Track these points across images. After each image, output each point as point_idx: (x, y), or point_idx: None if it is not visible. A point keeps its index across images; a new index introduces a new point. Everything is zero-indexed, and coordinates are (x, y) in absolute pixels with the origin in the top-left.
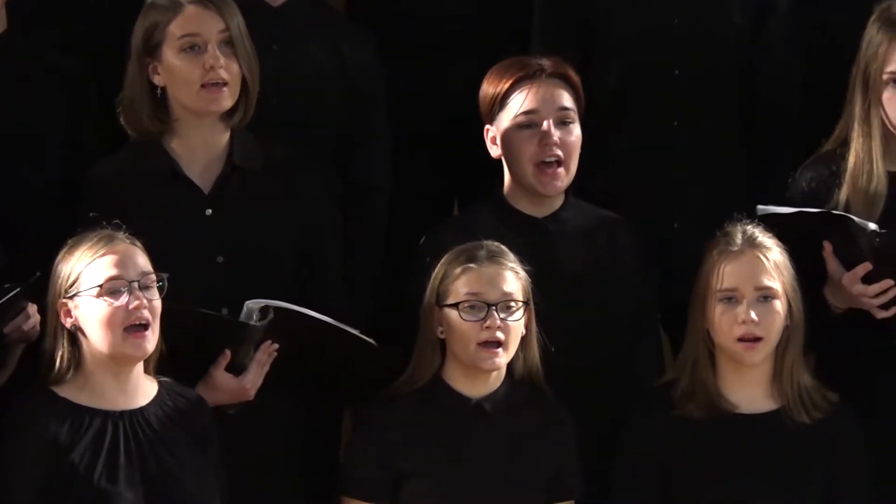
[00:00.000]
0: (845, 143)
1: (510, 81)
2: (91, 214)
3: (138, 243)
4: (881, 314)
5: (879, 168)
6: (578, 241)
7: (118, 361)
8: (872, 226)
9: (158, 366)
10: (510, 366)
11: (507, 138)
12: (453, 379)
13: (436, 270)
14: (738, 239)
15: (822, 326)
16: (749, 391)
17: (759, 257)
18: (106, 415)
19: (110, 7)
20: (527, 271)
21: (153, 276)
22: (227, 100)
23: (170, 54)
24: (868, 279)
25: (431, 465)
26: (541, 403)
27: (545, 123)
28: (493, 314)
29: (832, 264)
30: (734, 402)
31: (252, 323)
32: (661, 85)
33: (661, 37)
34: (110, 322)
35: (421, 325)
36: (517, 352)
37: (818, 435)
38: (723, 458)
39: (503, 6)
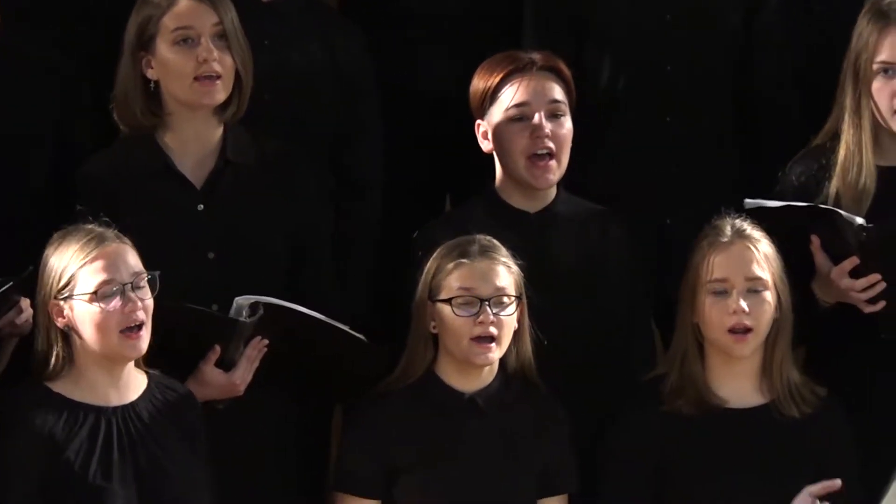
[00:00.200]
0: (835, 138)
1: (501, 75)
2: (78, 208)
3: (127, 240)
4: (868, 308)
5: (869, 161)
6: (571, 235)
7: (113, 360)
8: (860, 220)
9: (147, 358)
10: (503, 360)
11: (498, 132)
12: (446, 374)
13: (428, 265)
14: (728, 231)
15: (810, 320)
16: (738, 385)
17: (749, 248)
18: (99, 410)
19: (103, 4)
20: (519, 266)
21: (144, 275)
22: (221, 93)
23: (163, 47)
24: (855, 273)
25: (425, 461)
26: (534, 398)
27: (536, 116)
28: (485, 309)
29: (820, 258)
30: (723, 396)
31: (242, 319)
32: (654, 81)
33: (654, 33)
34: (105, 326)
35: (413, 320)
36: (510, 346)
37: (808, 429)
38: (713, 453)
39: (495, 2)
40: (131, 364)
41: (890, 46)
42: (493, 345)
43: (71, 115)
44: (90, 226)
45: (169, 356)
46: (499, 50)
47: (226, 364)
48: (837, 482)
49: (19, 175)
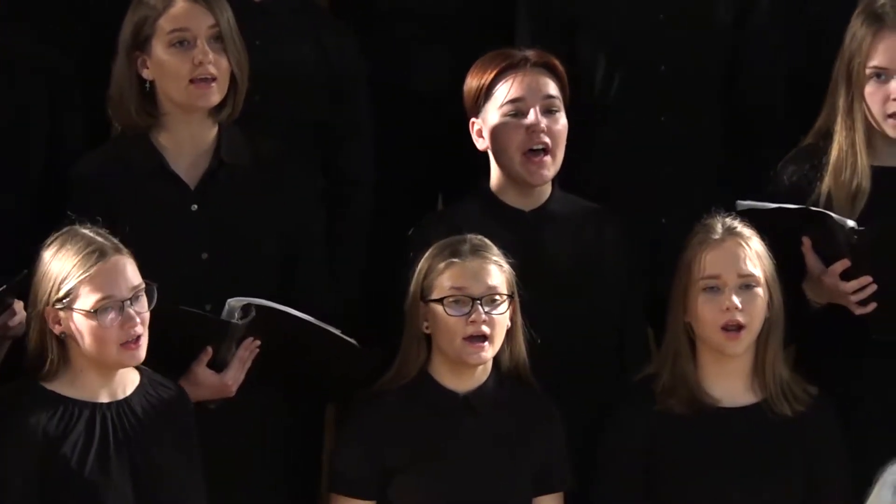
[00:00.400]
0: (826, 136)
1: (494, 72)
2: (70, 215)
3: (125, 250)
4: (859, 310)
5: (863, 162)
6: (566, 233)
7: (110, 367)
8: (851, 223)
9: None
10: (496, 359)
11: (493, 129)
12: (439, 374)
13: (420, 265)
14: (719, 228)
15: (801, 321)
16: (730, 384)
17: (741, 245)
18: (94, 406)
19: (97, 2)
20: (511, 264)
21: (143, 287)
22: (216, 95)
23: (159, 49)
24: (847, 275)
25: (419, 461)
26: (528, 396)
27: (531, 112)
28: (477, 308)
29: (811, 260)
30: (715, 395)
31: (234, 321)
32: (648, 81)
33: (648, 33)
34: (103, 339)
35: (406, 320)
36: (503, 345)
37: (799, 428)
38: (705, 452)
39: (487, 1)
40: None
41: (884, 51)
42: (486, 344)
43: (63, 113)
44: (90, 232)
45: (161, 356)
46: (492, 48)
47: (218, 365)
48: None
49: (12, 174)
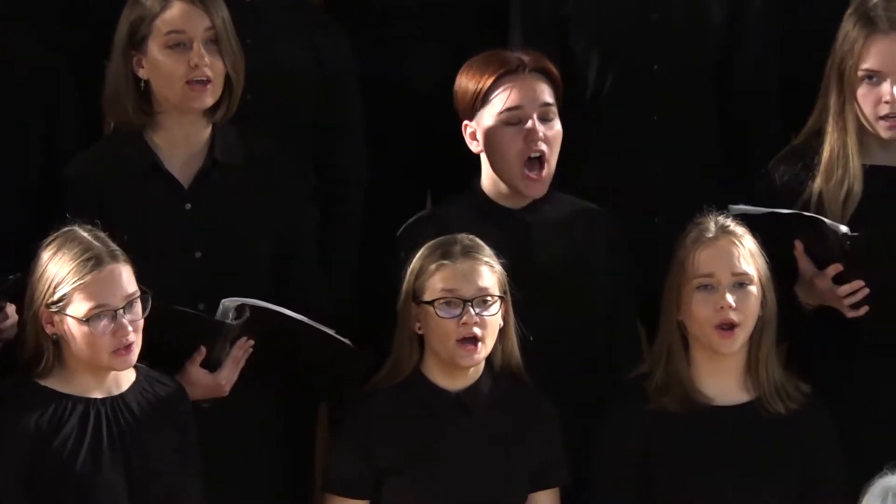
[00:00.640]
0: (818, 136)
1: (492, 78)
2: (69, 217)
3: (122, 256)
4: (851, 313)
5: (855, 162)
6: (556, 231)
7: (103, 368)
8: (844, 228)
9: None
10: (489, 358)
11: (490, 135)
12: (432, 373)
13: (411, 266)
14: (712, 227)
15: (793, 321)
16: (723, 382)
17: (735, 243)
18: (88, 402)
19: (92, 2)
20: (502, 264)
21: (137, 295)
22: (210, 97)
23: (155, 49)
24: (839, 279)
25: (413, 460)
26: (521, 394)
27: (530, 120)
28: (468, 310)
29: (803, 263)
30: (709, 394)
31: (228, 321)
32: (640, 80)
33: (640, 33)
34: (95, 346)
35: (398, 321)
36: (496, 344)
37: (793, 426)
38: (699, 451)
39: (474, 2)
40: None
41: (876, 54)
42: (478, 345)
43: (60, 113)
44: (88, 236)
45: (155, 356)
46: (484, 47)
47: (211, 364)
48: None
49: (9, 173)
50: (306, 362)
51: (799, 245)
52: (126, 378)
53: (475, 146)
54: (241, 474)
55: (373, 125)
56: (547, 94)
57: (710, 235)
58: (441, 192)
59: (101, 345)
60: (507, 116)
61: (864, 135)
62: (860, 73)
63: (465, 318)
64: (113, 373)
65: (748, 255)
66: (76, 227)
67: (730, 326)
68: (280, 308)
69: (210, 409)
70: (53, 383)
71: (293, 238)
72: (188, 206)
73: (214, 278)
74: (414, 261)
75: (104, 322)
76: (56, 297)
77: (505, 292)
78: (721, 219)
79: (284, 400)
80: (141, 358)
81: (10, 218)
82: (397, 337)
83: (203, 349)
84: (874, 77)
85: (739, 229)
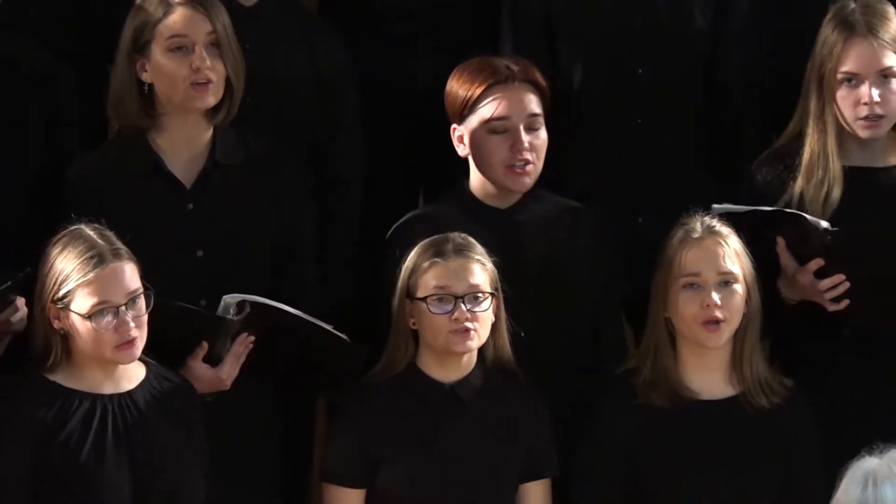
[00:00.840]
0: (799, 138)
1: (482, 87)
2: (74, 217)
3: (126, 254)
4: (832, 307)
5: (835, 165)
6: (542, 229)
7: (108, 362)
8: (824, 224)
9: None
10: (482, 352)
11: (477, 141)
12: (427, 366)
13: (405, 264)
14: (699, 227)
15: (775, 317)
16: (709, 377)
17: (720, 243)
18: (95, 397)
19: (94, 8)
20: (493, 262)
21: (140, 292)
22: (211, 97)
23: (158, 53)
24: (820, 273)
25: (408, 450)
26: (513, 387)
27: (516, 130)
28: (460, 306)
29: (786, 259)
30: (695, 388)
31: (229, 317)
32: (625, 84)
33: (625, 38)
34: (98, 341)
35: (394, 317)
36: (488, 338)
37: (776, 419)
38: (686, 444)
39: (468, 3)
40: None
41: (854, 57)
42: (471, 332)
43: (62, 117)
44: (94, 234)
45: (159, 351)
46: (476, 51)
47: (213, 359)
48: None
49: (12, 175)
50: (305, 357)
51: (781, 241)
52: (136, 375)
53: (462, 150)
54: (241, 468)
55: (370, 125)
56: (534, 105)
57: (697, 236)
58: (434, 192)
59: (104, 340)
60: (494, 125)
61: (844, 137)
62: (839, 76)
63: (456, 313)
64: (122, 369)
65: (733, 254)
66: (83, 226)
67: (715, 322)
68: (279, 304)
69: (212, 402)
70: (61, 378)
71: (292, 237)
72: (190, 206)
73: (216, 276)
74: (408, 259)
75: (107, 318)
76: (61, 293)
77: (496, 289)
78: (707, 219)
79: (284, 395)
80: (145, 353)
81: (16, 219)
82: (392, 332)
83: (205, 344)
84: (853, 80)
85: (725, 229)
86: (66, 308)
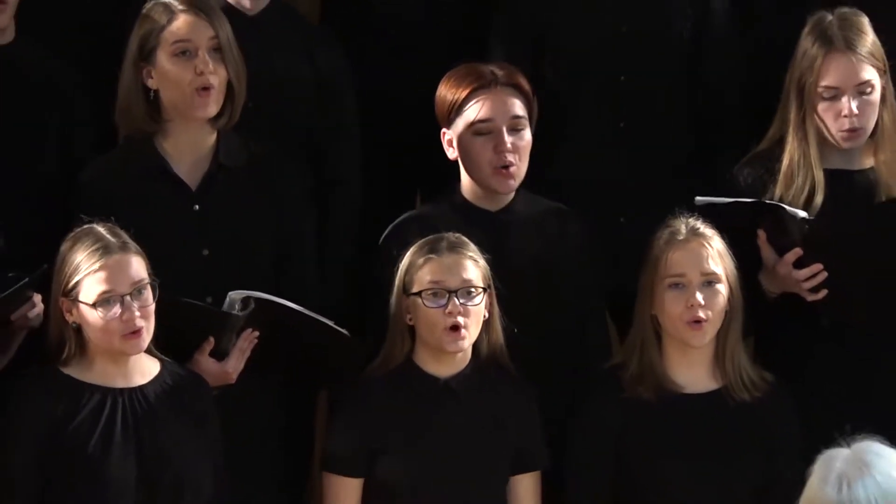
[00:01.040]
0: (780, 142)
1: (467, 91)
2: (82, 216)
3: (133, 247)
4: (811, 297)
5: (817, 171)
6: (529, 230)
7: (118, 354)
8: (802, 214)
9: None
10: (476, 347)
11: (463, 143)
12: (423, 361)
13: (402, 262)
14: (683, 229)
15: (757, 312)
16: (693, 372)
17: (704, 245)
18: (106, 391)
19: (102, 16)
20: (486, 259)
21: (146, 281)
22: (213, 107)
23: (163, 59)
24: (799, 264)
25: (404, 441)
26: (506, 381)
27: (499, 132)
28: (453, 300)
29: (766, 251)
30: (680, 382)
31: (234, 312)
32: (608, 90)
33: (609, 44)
34: (106, 330)
35: (391, 313)
36: (481, 333)
37: (757, 412)
38: (671, 436)
39: (462, 12)
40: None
41: (834, 71)
42: (462, 332)
43: (74, 123)
44: (103, 230)
45: (166, 346)
46: (465, 58)
47: (219, 354)
48: None
49: (26, 180)
50: (307, 351)
51: (762, 234)
52: (150, 371)
53: (451, 153)
54: (244, 461)
55: (369, 129)
56: (518, 108)
57: (681, 237)
58: (431, 194)
59: (111, 328)
60: (478, 127)
61: (824, 141)
62: (820, 89)
63: (450, 307)
64: (136, 364)
65: (717, 255)
66: (94, 225)
67: (698, 322)
68: (283, 300)
69: (219, 396)
70: (75, 371)
71: (292, 236)
72: (196, 207)
73: (221, 274)
74: (405, 257)
75: (114, 307)
76: (71, 285)
77: (489, 285)
78: (691, 221)
79: (286, 390)
80: (155, 348)
81: (32, 220)
82: (390, 328)
83: (211, 339)
84: (833, 93)
85: (708, 231)
86: (76, 299)
